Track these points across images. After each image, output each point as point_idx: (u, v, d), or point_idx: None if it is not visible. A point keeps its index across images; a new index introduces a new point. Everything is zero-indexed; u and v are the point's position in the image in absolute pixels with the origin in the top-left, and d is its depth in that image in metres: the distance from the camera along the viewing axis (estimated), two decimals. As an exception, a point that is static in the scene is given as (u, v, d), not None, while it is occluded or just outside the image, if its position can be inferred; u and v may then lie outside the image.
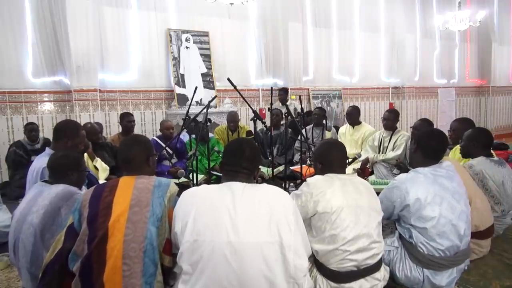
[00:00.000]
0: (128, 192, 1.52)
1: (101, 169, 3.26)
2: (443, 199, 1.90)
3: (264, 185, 1.57)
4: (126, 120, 4.26)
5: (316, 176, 1.84)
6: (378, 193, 2.16)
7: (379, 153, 3.91)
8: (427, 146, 2.05)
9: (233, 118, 4.65)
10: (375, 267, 1.75)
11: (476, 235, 2.29)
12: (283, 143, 4.14)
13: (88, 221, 1.47)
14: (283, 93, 5.74)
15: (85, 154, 3.21)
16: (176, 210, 1.50)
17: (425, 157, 2.06)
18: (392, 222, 2.18)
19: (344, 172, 1.90)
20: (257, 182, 1.65)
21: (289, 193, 1.75)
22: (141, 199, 1.51)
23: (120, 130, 4.52)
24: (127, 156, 1.68)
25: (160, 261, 1.50)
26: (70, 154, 2.03)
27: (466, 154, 2.70)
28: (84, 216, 1.49)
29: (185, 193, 1.54)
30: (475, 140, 2.64)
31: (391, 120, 3.87)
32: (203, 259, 1.35)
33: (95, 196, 1.53)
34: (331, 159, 1.88)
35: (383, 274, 1.80)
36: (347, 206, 1.70)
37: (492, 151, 2.77)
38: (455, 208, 1.91)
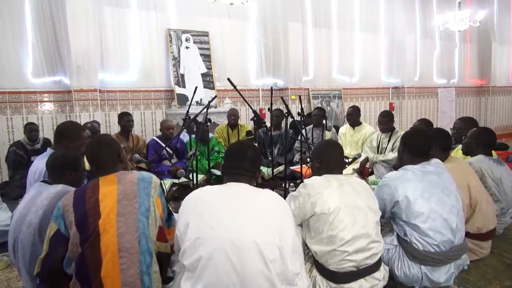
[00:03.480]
0: (113, 188, 1.54)
1: None
2: (432, 194, 1.93)
3: (267, 190, 1.59)
4: (125, 120, 4.26)
5: (313, 177, 1.84)
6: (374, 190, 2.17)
7: (378, 154, 3.90)
8: (413, 145, 2.10)
9: (233, 112, 4.73)
10: (374, 267, 1.76)
11: (478, 236, 2.30)
12: (284, 143, 4.14)
13: (77, 224, 1.47)
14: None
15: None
16: (180, 211, 1.52)
17: (412, 156, 2.10)
18: (390, 221, 2.20)
19: (341, 172, 1.91)
20: (257, 182, 1.66)
21: (289, 193, 1.76)
22: (128, 192, 1.54)
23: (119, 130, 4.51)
24: (98, 161, 1.68)
25: (157, 249, 1.54)
26: (69, 154, 2.02)
27: (467, 152, 2.75)
28: (70, 220, 1.49)
29: (189, 196, 1.56)
30: (477, 138, 2.68)
31: (385, 124, 3.86)
32: (205, 256, 1.36)
33: (78, 199, 1.53)
34: (329, 157, 1.89)
35: (382, 274, 1.80)
36: (344, 206, 1.70)
37: (493, 151, 2.79)
38: (445, 203, 1.94)
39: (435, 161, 2.09)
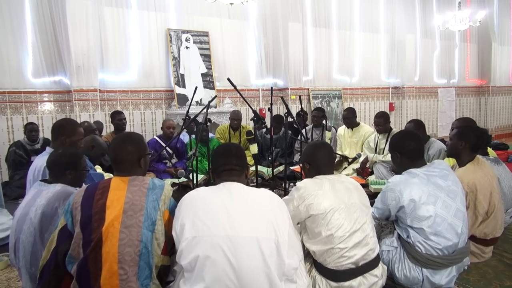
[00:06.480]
0: (121, 195, 1.49)
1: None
2: (437, 198, 1.91)
3: (261, 188, 1.62)
4: (117, 118, 4.28)
5: (305, 180, 1.87)
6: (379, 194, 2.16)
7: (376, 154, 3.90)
8: (407, 148, 2.05)
9: (237, 116, 4.71)
10: (373, 264, 1.77)
11: (482, 241, 2.30)
12: (283, 146, 4.14)
13: (81, 225, 1.45)
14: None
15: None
16: (176, 212, 1.51)
17: (411, 159, 2.06)
18: (391, 222, 2.19)
19: (332, 172, 1.94)
20: (257, 183, 1.68)
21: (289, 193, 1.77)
22: (135, 203, 1.48)
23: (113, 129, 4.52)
24: (117, 156, 1.62)
25: (160, 262, 1.51)
26: (68, 153, 1.97)
27: None
28: (76, 219, 1.47)
29: (184, 197, 1.56)
30: None
31: (381, 125, 3.85)
32: (202, 255, 1.36)
33: (86, 198, 1.50)
34: (319, 158, 1.92)
35: (381, 271, 1.81)
36: (339, 205, 1.73)
37: (492, 151, 2.79)
38: (450, 207, 1.92)
39: (439, 162, 2.05)
